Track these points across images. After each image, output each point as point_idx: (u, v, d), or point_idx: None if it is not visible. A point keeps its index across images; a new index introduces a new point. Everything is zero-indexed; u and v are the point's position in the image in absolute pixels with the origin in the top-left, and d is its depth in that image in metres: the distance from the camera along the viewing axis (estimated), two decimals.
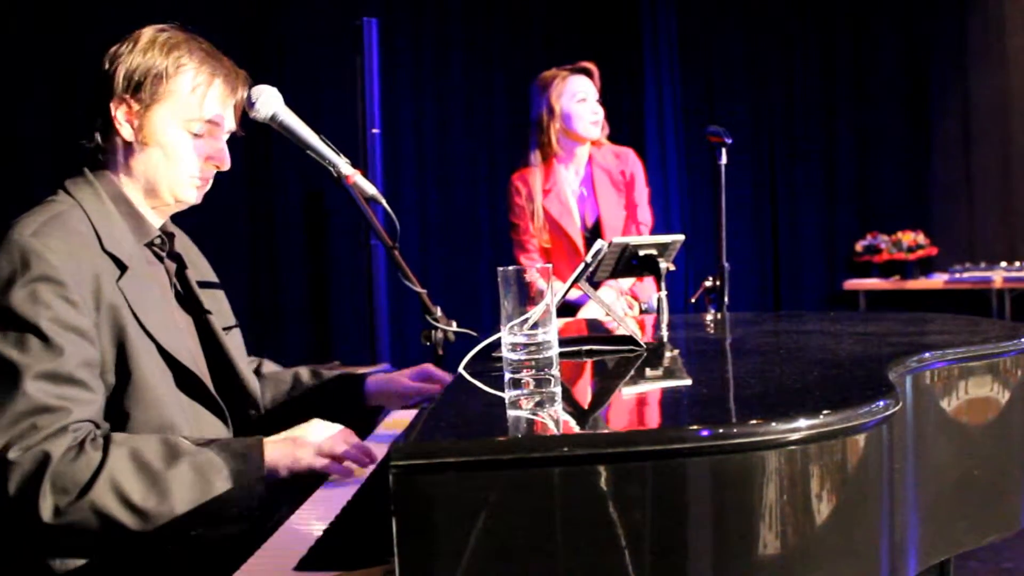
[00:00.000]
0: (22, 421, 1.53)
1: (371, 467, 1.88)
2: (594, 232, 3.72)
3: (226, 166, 1.93)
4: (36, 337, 1.58)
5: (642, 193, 3.80)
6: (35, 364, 1.56)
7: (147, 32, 1.86)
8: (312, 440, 1.77)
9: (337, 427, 1.83)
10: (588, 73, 3.68)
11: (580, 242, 3.68)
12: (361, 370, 5.24)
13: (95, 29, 4.91)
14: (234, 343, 2.04)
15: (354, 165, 1.94)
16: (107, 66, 1.82)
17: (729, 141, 3.23)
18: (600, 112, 3.67)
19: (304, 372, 2.26)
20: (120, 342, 1.69)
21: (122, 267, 1.73)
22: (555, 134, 3.69)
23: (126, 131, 1.82)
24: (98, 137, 1.83)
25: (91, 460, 1.55)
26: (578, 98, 3.65)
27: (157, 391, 1.72)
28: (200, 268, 2.06)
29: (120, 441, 1.60)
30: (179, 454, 1.62)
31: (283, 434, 1.78)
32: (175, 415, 1.75)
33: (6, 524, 1.61)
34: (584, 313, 3.55)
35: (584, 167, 3.76)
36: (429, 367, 2.21)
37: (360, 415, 2.23)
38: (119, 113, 1.82)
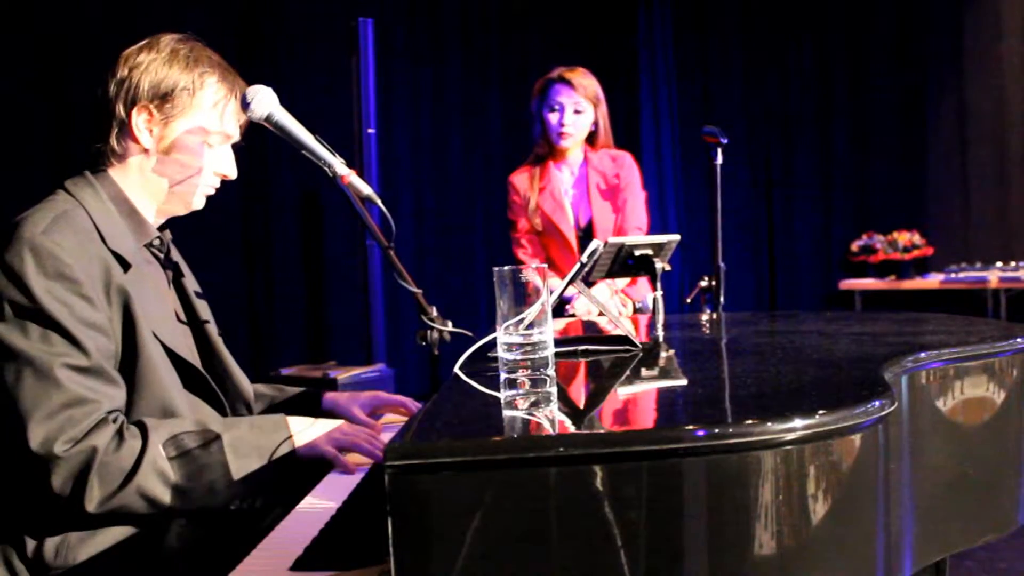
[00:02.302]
0: (59, 414, 1.58)
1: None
2: (587, 232, 3.77)
3: (233, 176, 1.98)
4: (59, 334, 1.61)
5: (637, 197, 3.84)
6: (63, 358, 1.61)
7: (166, 41, 1.88)
8: (330, 431, 1.87)
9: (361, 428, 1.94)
10: (566, 82, 3.71)
11: (574, 241, 3.75)
12: (356, 370, 5.26)
13: (91, 28, 4.92)
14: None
15: (350, 165, 1.94)
16: (126, 72, 1.84)
17: (725, 141, 3.23)
18: (571, 123, 3.72)
19: (263, 387, 2.25)
20: (129, 333, 1.73)
21: (125, 265, 1.76)
22: (538, 137, 3.78)
23: (145, 138, 1.85)
24: (113, 141, 1.84)
25: (133, 447, 1.62)
26: (551, 107, 3.74)
27: (163, 382, 1.76)
28: (187, 274, 2.07)
29: (155, 426, 1.67)
30: (213, 434, 1.71)
31: (305, 418, 1.90)
32: (180, 407, 1.79)
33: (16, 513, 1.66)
34: (574, 307, 3.57)
35: (579, 168, 3.82)
36: (380, 395, 2.26)
37: None
38: (140, 120, 1.84)
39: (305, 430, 1.85)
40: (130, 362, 1.73)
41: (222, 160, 1.95)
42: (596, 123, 3.78)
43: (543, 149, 3.82)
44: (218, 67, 1.91)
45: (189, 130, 1.87)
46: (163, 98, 1.83)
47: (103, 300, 1.69)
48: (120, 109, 1.83)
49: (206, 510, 1.71)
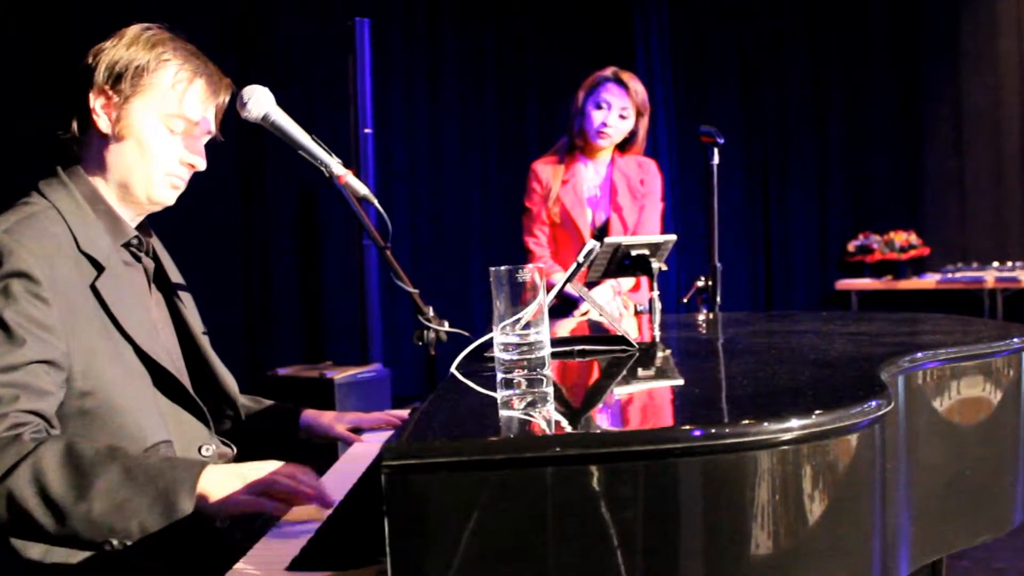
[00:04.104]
0: None
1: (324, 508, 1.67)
2: (602, 232, 3.74)
3: (201, 167, 1.90)
4: None
5: (655, 206, 3.83)
6: None
7: (132, 29, 1.84)
8: (250, 475, 1.58)
9: (279, 465, 1.63)
10: (622, 84, 3.69)
11: (588, 237, 3.70)
12: (353, 370, 5.26)
13: (88, 28, 4.92)
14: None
15: (346, 165, 1.93)
16: (90, 60, 1.80)
17: (721, 141, 3.24)
18: (614, 125, 3.68)
19: (243, 398, 2.21)
20: (92, 345, 1.66)
21: (99, 268, 1.71)
22: (575, 130, 3.75)
23: (103, 122, 1.80)
24: (75, 128, 1.81)
25: (21, 449, 1.49)
26: (599, 103, 3.69)
27: (129, 395, 1.69)
28: (171, 272, 2.03)
29: (60, 437, 1.55)
30: (115, 457, 1.53)
31: (233, 466, 1.62)
32: (150, 419, 1.72)
33: None
34: (581, 308, 3.56)
35: (605, 168, 3.80)
36: (362, 415, 2.23)
37: (297, 444, 2.20)
38: (97, 104, 1.79)
39: (222, 478, 1.56)
40: (95, 377, 1.65)
41: (188, 149, 1.87)
42: (635, 132, 3.76)
43: (579, 142, 3.78)
44: (182, 51, 1.85)
45: (145, 110, 1.81)
46: (118, 78, 1.78)
47: (62, 307, 1.62)
48: (79, 95, 1.80)
49: (79, 541, 1.51)
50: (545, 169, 3.81)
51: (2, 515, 1.49)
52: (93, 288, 1.69)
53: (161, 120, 1.83)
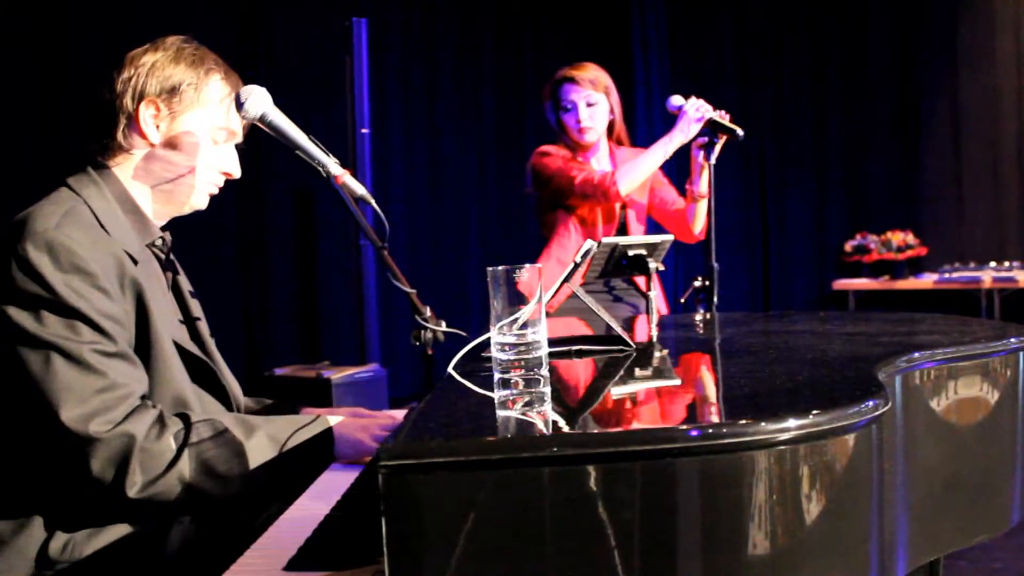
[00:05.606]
0: (93, 398, 1.60)
1: None
2: (620, 210, 3.72)
3: (237, 174, 2.00)
4: (83, 323, 1.63)
5: (665, 183, 3.83)
6: (91, 345, 1.63)
7: (171, 41, 1.92)
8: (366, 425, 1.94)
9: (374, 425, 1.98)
10: (571, 80, 3.68)
11: (617, 213, 3.68)
12: (350, 370, 5.26)
13: (90, 26, 4.91)
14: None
15: (343, 165, 1.93)
16: (133, 70, 1.86)
17: (719, 141, 3.24)
18: (588, 117, 3.66)
19: (246, 401, 2.25)
20: (142, 325, 1.75)
21: (134, 261, 1.77)
22: (565, 137, 3.73)
23: (152, 133, 1.87)
24: (120, 136, 1.86)
25: (176, 435, 1.67)
26: (564, 108, 3.68)
27: (175, 374, 1.79)
28: (182, 274, 2.08)
29: (196, 416, 1.73)
30: (254, 426, 1.77)
31: (344, 419, 1.96)
32: (190, 399, 1.82)
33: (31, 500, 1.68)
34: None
35: (606, 159, 3.78)
36: (360, 411, 2.25)
37: None
38: (147, 114, 1.86)
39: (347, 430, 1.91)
40: (144, 354, 1.75)
41: (226, 158, 1.97)
42: (612, 111, 3.75)
43: (573, 144, 3.73)
44: (221, 65, 1.95)
45: (195, 126, 1.89)
46: (170, 93, 1.86)
47: (119, 292, 1.71)
48: (128, 104, 1.85)
49: (242, 500, 1.75)
50: (555, 148, 3.76)
51: (177, 494, 1.66)
52: (133, 276, 1.75)
53: (209, 134, 1.93)
